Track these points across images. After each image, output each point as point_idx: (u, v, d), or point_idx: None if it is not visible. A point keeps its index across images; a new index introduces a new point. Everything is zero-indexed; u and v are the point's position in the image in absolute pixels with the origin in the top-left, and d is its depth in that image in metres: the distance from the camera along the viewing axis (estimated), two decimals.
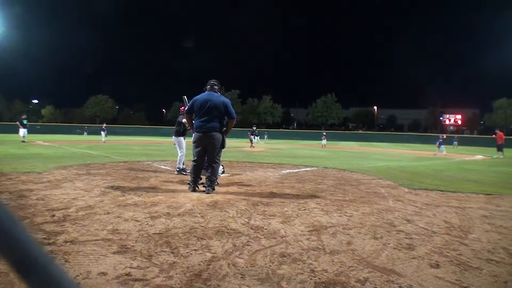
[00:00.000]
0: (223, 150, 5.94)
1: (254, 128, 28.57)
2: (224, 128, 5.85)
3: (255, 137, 32.79)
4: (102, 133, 27.22)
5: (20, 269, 0.44)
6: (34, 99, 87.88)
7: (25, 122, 21.88)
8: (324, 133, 33.66)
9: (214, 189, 5.70)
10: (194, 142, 5.81)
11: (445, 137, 22.86)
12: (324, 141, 30.80)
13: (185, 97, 8.65)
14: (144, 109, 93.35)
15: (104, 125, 29.26)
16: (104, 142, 25.19)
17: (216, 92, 5.87)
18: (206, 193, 5.54)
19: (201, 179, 6.01)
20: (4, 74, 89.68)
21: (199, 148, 5.77)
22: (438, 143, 21.73)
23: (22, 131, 21.55)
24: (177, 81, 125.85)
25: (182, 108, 8.25)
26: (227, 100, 5.78)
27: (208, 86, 5.88)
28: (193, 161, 5.87)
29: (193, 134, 5.85)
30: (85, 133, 48.47)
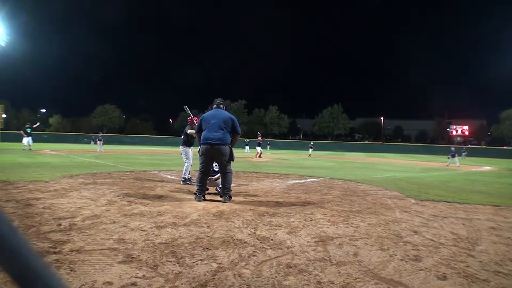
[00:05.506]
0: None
1: (259, 135, 28.40)
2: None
3: (246, 146, 32.90)
4: (99, 142, 26.28)
5: (20, 282, 0.44)
6: (42, 108, 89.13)
7: (28, 130, 22.22)
8: (311, 143, 34.69)
9: (231, 198, 5.80)
10: (201, 153, 5.92)
11: (453, 149, 22.88)
12: (310, 151, 31.37)
13: (186, 106, 8.77)
14: (151, 119, 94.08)
15: (101, 134, 29.12)
16: (100, 151, 24.46)
17: (222, 109, 6.21)
18: (223, 201, 5.66)
19: (207, 189, 6.04)
20: (12, 83, 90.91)
21: (206, 159, 5.87)
22: (451, 154, 21.83)
23: (26, 140, 21.91)
24: (183, 91, 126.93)
25: (189, 118, 8.33)
26: (233, 117, 6.14)
27: (214, 106, 6.25)
28: (199, 170, 5.93)
29: (200, 146, 5.94)
30: (92, 142, 48.80)
